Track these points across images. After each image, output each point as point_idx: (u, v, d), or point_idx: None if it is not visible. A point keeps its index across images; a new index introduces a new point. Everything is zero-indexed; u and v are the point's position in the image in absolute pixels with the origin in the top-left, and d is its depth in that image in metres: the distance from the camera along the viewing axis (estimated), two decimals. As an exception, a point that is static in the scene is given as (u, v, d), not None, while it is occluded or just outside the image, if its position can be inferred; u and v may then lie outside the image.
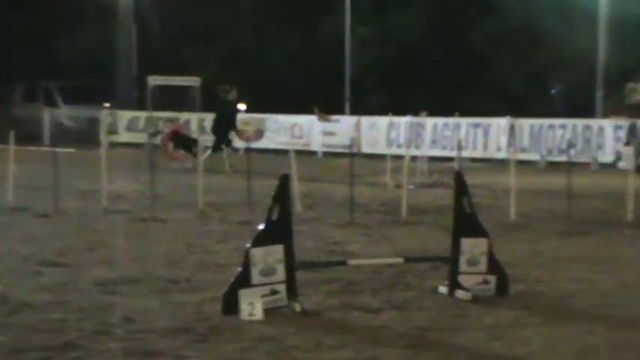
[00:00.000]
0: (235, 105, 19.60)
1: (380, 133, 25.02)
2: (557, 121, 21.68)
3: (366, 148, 25.14)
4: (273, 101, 28.10)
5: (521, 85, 29.44)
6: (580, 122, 21.20)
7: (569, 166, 13.06)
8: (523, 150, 21.69)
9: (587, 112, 22.52)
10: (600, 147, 20.60)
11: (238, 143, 20.06)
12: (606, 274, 8.42)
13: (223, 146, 18.97)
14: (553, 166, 20.04)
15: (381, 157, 21.43)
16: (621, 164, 18.96)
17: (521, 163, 19.29)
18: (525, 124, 22.05)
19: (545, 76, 30.20)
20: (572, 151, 20.19)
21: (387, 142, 24.46)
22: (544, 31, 27.78)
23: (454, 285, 7.27)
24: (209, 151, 18.50)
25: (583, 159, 20.44)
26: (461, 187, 7.29)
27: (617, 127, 20.19)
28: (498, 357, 5.72)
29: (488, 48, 29.16)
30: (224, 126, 19.09)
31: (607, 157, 20.33)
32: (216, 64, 33.39)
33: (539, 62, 29.39)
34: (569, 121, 21.40)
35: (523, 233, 11.05)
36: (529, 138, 21.87)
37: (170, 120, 26.79)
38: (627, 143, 19.12)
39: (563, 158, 18.93)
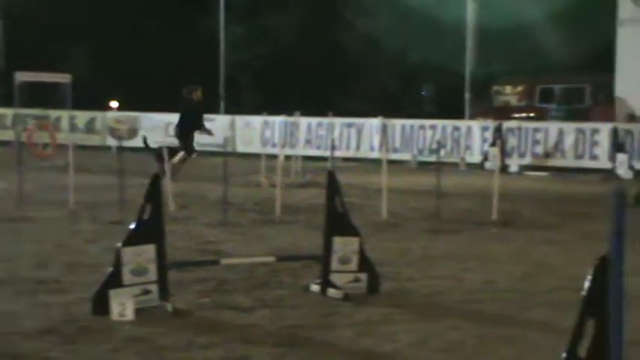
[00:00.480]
0: (200, 105, 18.32)
1: (254, 132, 25.03)
2: (428, 122, 22.17)
3: (240, 148, 25.13)
4: (147, 100, 27.74)
5: (394, 86, 29.98)
6: (449, 123, 21.73)
7: (439, 166, 13.37)
8: (395, 150, 22.10)
9: (455, 113, 23.12)
10: (468, 148, 21.16)
11: (112, 142, 19.30)
12: (473, 272, 8.66)
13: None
14: (424, 166, 20.50)
15: (255, 156, 21.48)
16: (488, 164, 19.55)
17: (393, 163, 19.67)
18: (397, 124, 22.45)
19: (416, 77, 30.85)
20: (442, 152, 20.68)
21: (261, 141, 24.50)
22: (415, 34, 28.37)
23: (326, 283, 7.35)
24: (181, 155, 17.40)
25: (452, 159, 20.96)
26: (333, 187, 7.37)
27: (484, 129, 20.78)
28: (368, 353, 5.81)
29: (362, 49, 29.55)
30: (189, 128, 17.96)
31: (475, 157, 20.90)
32: (88, 60, 32.73)
33: (411, 64, 29.98)
34: (438, 122, 21.91)
35: (394, 232, 11.25)
36: (400, 138, 22.28)
37: (38, 117, 26.09)
38: (493, 144, 19.71)
39: (433, 158, 19.36)
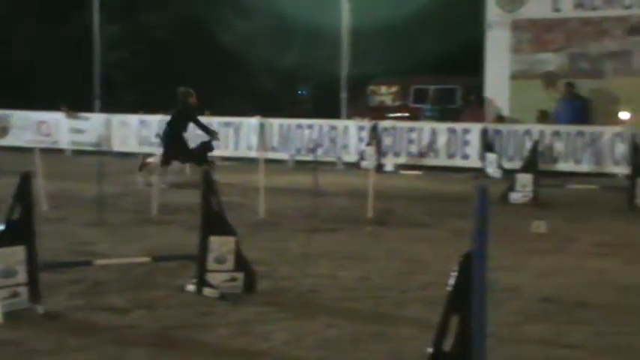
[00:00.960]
0: (195, 112, 17.27)
1: (131, 131, 24.68)
2: (305, 122, 22.31)
3: (117, 147, 24.73)
4: (18, 97, 26.98)
5: (271, 85, 30.06)
6: (326, 123, 21.93)
7: (316, 166, 13.50)
8: (273, 149, 22.16)
9: (332, 113, 23.33)
10: (345, 147, 21.40)
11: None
12: (348, 269, 8.78)
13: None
14: (301, 166, 20.61)
15: (132, 155, 21.19)
16: (364, 164, 19.81)
17: (271, 162, 19.71)
18: (275, 123, 22.52)
19: (293, 77, 31.01)
20: (319, 151, 20.86)
21: (138, 140, 24.18)
22: (292, 34, 28.52)
23: (202, 283, 7.34)
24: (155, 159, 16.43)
25: (329, 158, 21.16)
26: (208, 186, 7.36)
27: (361, 128, 21.06)
28: (243, 352, 5.84)
29: (239, 48, 29.51)
30: (179, 133, 16.86)
31: (351, 156, 21.15)
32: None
33: (289, 64, 30.12)
34: (315, 122, 22.08)
35: (271, 231, 11.29)
36: (278, 138, 22.36)
37: None
38: (369, 143, 20.00)
39: (310, 158, 19.49)
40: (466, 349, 3.41)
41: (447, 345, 3.48)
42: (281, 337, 6.15)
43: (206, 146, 17.06)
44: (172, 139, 16.79)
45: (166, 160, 16.36)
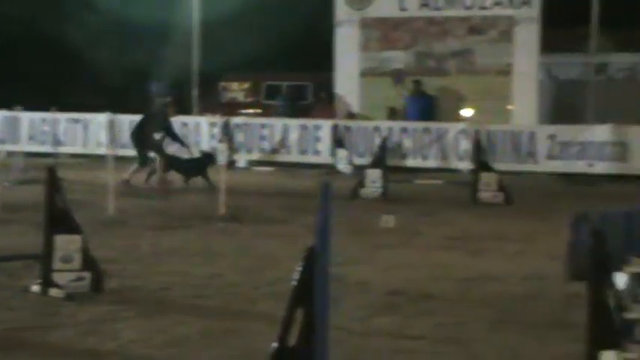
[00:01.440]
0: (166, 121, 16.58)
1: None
2: (156, 118, 21.98)
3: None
4: None
5: (121, 81, 29.51)
6: (178, 119, 21.68)
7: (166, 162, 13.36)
8: (123, 146, 21.79)
9: (184, 109, 23.11)
10: (197, 143, 21.26)
11: None
12: (200, 267, 8.76)
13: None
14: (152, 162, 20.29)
15: (-26, 153, 20.42)
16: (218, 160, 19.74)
17: (122, 159, 19.35)
18: (125, 120, 22.12)
19: (144, 73, 30.55)
20: (172, 148, 20.60)
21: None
22: (143, 29, 28.08)
23: (47, 283, 7.17)
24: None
25: (181, 155, 20.95)
26: (53, 183, 7.20)
27: (213, 125, 20.97)
28: (91, 352, 5.75)
29: (87, 43, 28.84)
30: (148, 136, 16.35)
31: (204, 153, 21.01)
32: None
33: (139, 59, 29.64)
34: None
35: (121, 229, 11.12)
36: (129, 134, 21.97)
37: None
38: (221, 140, 19.94)
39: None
40: (310, 343, 3.48)
41: (292, 339, 3.54)
42: (130, 336, 6.09)
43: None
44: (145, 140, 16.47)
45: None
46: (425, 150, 19.24)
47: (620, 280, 5.27)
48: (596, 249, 4.60)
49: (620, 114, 18.72)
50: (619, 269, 5.39)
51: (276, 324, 6.24)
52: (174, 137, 16.73)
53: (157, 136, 16.22)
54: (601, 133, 18.02)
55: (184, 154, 16.80)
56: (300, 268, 3.55)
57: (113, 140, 20.90)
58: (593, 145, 18.01)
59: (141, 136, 16.44)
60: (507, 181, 14.91)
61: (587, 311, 4.70)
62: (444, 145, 19.09)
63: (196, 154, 16.84)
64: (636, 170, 17.67)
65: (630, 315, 4.91)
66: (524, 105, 19.29)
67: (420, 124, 19.50)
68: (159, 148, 16.20)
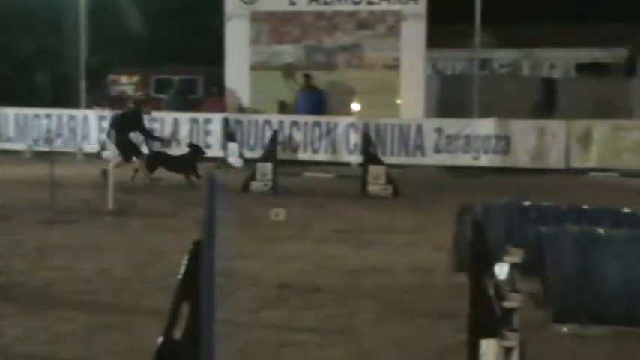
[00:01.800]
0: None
1: None
2: (43, 111, 21.56)
3: None
4: None
5: (6, 73, 28.74)
6: (65, 112, 21.31)
7: (53, 156, 13.11)
8: (9, 140, 21.26)
9: (72, 102, 22.69)
10: (85, 137, 20.91)
11: None
12: (87, 262, 8.64)
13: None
14: (39, 156, 19.87)
15: None
16: (105, 154, 19.44)
17: (7, 153, 18.95)
18: (10, 113, 21.60)
19: (31, 64, 29.82)
20: (59, 141, 20.25)
21: None
22: (29, 20, 27.43)
23: None
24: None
25: (69, 149, 20.60)
26: None
27: (101, 118, 20.64)
28: (-27, 351, 5.62)
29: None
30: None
31: (92, 147, 20.68)
32: None
33: (26, 50, 28.95)
34: (54, 111, 21.40)
35: (6, 224, 10.88)
36: (15, 127, 21.47)
37: None
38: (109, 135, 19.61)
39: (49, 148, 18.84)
40: (196, 337, 3.49)
41: (178, 333, 3.54)
42: (13, 333, 5.98)
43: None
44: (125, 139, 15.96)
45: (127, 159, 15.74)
46: (315, 144, 19.37)
47: (501, 270, 5.45)
48: (476, 240, 4.74)
49: (503, 108, 19.25)
50: (500, 259, 5.57)
51: (164, 318, 6.24)
52: (150, 136, 16.45)
53: (134, 135, 15.97)
54: (485, 126, 18.49)
55: (174, 150, 16.74)
56: (185, 262, 3.55)
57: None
58: (478, 139, 18.47)
59: (117, 136, 15.89)
60: (396, 174, 15.16)
61: (469, 301, 4.84)
62: (334, 139, 19.26)
63: (180, 149, 16.50)
64: (518, 163, 18.21)
65: (509, 304, 5.08)
66: (411, 99, 19.64)
67: (311, 118, 19.63)
68: (135, 148, 15.96)
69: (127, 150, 15.79)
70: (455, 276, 8.12)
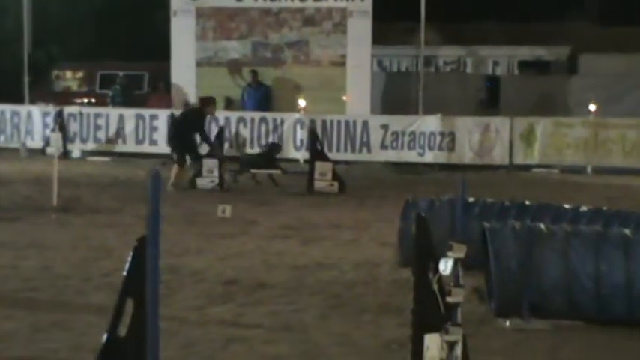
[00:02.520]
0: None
1: None
2: (-15, 106, 21.20)
3: None
4: None
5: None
6: (8, 108, 21.00)
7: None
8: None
9: (15, 97, 22.34)
10: (29, 133, 20.63)
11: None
12: (30, 259, 8.56)
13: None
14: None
15: None
16: (49, 150, 19.20)
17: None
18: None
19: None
20: (2, 137, 19.98)
21: None
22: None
23: None
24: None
25: (13, 145, 20.33)
26: None
27: (46, 114, 20.38)
28: None
29: None
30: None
31: (36, 143, 20.42)
32: None
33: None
34: (-4, 106, 21.07)
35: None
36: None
37: None
38: (54, 130, 19.40)
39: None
40: (141, 334, 3.49)
41: (123, 329, 3.54)
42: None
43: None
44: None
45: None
46: (262, 140, 19.35)
47: (445, 265, 5.51)
48: (420, 235, 4.80)
49: (447, 105, 19.41)
50: (444, 255, 5.63)
51: (108, 315, 6.20)
52: (207, 140, 15.69)
53: (196, 137, 15.62)
54: (430, 123, 18.64)
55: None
56: (130, 259, 3.55)
57: None
58: (423, 135, 18.61)
59: (177, 137, 15.58)
60: (342, 170, 15.22)
61: (413, 296, 4.90)
62: (281, 135, 19.26)
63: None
64: (463, 159, 18.40)
65: (453, 299, 5.14)
66: (358, 96, 19.70)
67: (257, 114, 19.58)
68: (195, 150, 15.45)
69: (187, 152, 15.23)
70: (400, 271, 8.20)
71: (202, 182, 14.61)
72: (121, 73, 22.37)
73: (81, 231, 10.34)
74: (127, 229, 10.33)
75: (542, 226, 7.03)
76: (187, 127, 15.54)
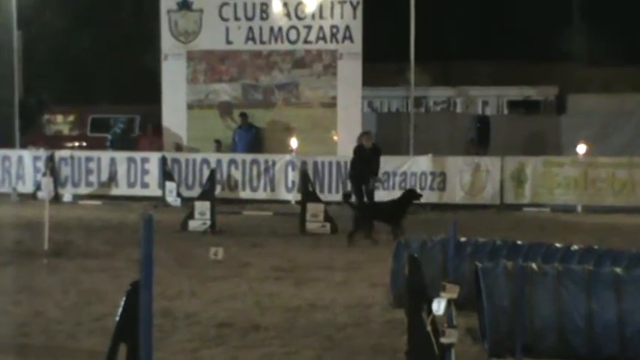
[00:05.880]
0: (369, 152, 16.12)
1: None
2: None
3: None
4: None
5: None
6: (0, 152, 21.00)
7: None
8: None
9: (6, 142, 22.36)
10: (20, 177, 20.61)
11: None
12: (22, 305, 8.52)
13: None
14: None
15: None
16: (40, 194, 19.18)
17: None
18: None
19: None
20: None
21: None
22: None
23: None
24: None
25: (3, 189, 20.29)
26: None
27: (37, 158, 20.39)
28: None
29: None
30: (355, 173, 16.22)
31: (27, 187, 20.39)
32: None
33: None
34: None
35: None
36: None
37: None
38: (45, 174, 19.38)
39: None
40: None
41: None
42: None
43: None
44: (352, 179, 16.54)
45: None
46: (254, 181, 19.38)
47: (438, 305, 5.52)
48: (412, 276, 4.81)
49: (438, 145, 19.50)
50: (437, 295, 5.64)
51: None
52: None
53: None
54: (421, 163, 18.70)
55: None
56: (122, 303, 3.55)
57: None
58: (414, 175, 18.67)
59: (359, 178, 16.19)
60: (334, 211, 15.23)
61: (407, 337, 4.90)
62: (272, 177, 19.30)
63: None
64: (454, 199, 18.44)
65: (447, 340, 5.14)
66: (348, 136, 19.75)
67: (249, 156, 19.63)
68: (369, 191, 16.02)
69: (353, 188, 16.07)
70: (392, 312, 8.19)
71: (194, 224, 14.60)
72: (107, 117, 22.44)
73: (72, 275, 10.29)
74: (118, 272, 10.31)
75: (534, 265, 7.04)
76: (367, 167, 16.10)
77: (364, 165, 16.23)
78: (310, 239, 13.79)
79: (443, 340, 4.97)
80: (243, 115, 20.60)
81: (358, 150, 16.53)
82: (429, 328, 4.83)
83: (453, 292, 5.56)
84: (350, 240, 13.07)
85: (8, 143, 21.95)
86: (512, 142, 20.07)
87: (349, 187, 16.94)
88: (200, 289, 9.49)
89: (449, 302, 5.78)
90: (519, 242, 8.69)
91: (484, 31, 29.88)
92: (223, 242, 12.41)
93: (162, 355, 6.02)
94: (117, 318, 3.61)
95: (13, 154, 20.92)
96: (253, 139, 20.53)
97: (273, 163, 19.41)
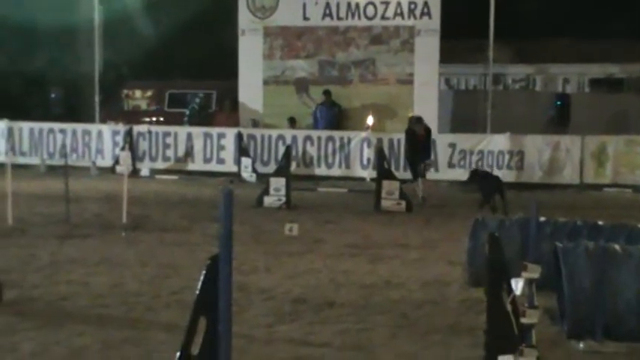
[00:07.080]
0: (419, 137, 16.62)
1: None
2: (57, 126, 21.61)
3: None
4: None
5: (20, 88, 28.87)
6: (80, 127, 21.36)
7: (67, 171, 13.13)
8: (23, 154, 21.33)
9: (86, 116, 22.75)
10: (100, 152, 20.95)
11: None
12: (101, 276, 8.64)
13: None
14: (54, 171, 19.96)
15: None
16: (119, 168, 19.49)
17: (21, 168, 19.00)
18: (25, 127, 21.68)
19: (44, 79, 29.96)
20: (74, 156, 20.30)
21: None
22: (42, 35, 27.56)
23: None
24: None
25: (83, 163, 20.65)
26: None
27: (115, 133, 20.69)
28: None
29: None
30: (411, 157, 16.82)
31: (106, 161, 20.73)
32: None
33: (38, 65, 29.07)
34: (68, 126, 21.45)
35: (21, 238, 10.89)
36: (29, 142, 21.53)
37: None
38: (123, 148, 19.67)
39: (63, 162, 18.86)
40: (213, 352, 3.48)
41: (195, 348, 3.53)
42: (28, 348, 5.97)
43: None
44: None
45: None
46: (329, 158, 19.36)
47: (517, 285, 5.42)
48: (493, 255, 4.71)
49: (516, 123, 19.20)
50: (516, 275, 5.54)
51: (177, 333, 6.20)
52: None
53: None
54: (499, 142, 18.44)
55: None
56: (202, 277, 3.55)
57: (12, 148, 20.48)
58: (491, 154, 18.42)
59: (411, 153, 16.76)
60: (409, 189, 15.13)
61: (486, 316, 4.81)
62: (348, 154, 19.25)
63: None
64: (532, 178, 18.16)
65: (527, 320, 5.05)
66: (425, 114, 19.58)
67: (324, 133, 19.61)
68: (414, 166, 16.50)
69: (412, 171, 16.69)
70: (469, 291, 8.10)
71: (269, 200, 14.65)
72: (185, 92, 22.62)
73: (150, 248, 10.42)
74: (195, 247, 10.40)
75: (616, 246, 6.87)
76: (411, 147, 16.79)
77: (417, 149, 16.47)
78: (385, 217, 13.73)
79: (523, 320, 4.88)
80: (327, 93, 20.56)
81: (411, 134, 16.61)
82: (508, 307, 4.74)
83: (534, 272, 5.46)
84: (482, 209, 13.26)
85: (88, 118, 22.34)
86: (593, 121, 19.66)
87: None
88: (275, 264, 9.51)
89: (530, 282, 5.68)
90: (601, 223, 8.49)
91: (565, 8, 29.28)
92: (298, 218, 12.42)
93: (240, 329, 6.03)
94: (197, 292, 3.61)
95: (93, 128, 21.26)
96: (335, 117, 20.50)
97: (349, 140, 19.34)
